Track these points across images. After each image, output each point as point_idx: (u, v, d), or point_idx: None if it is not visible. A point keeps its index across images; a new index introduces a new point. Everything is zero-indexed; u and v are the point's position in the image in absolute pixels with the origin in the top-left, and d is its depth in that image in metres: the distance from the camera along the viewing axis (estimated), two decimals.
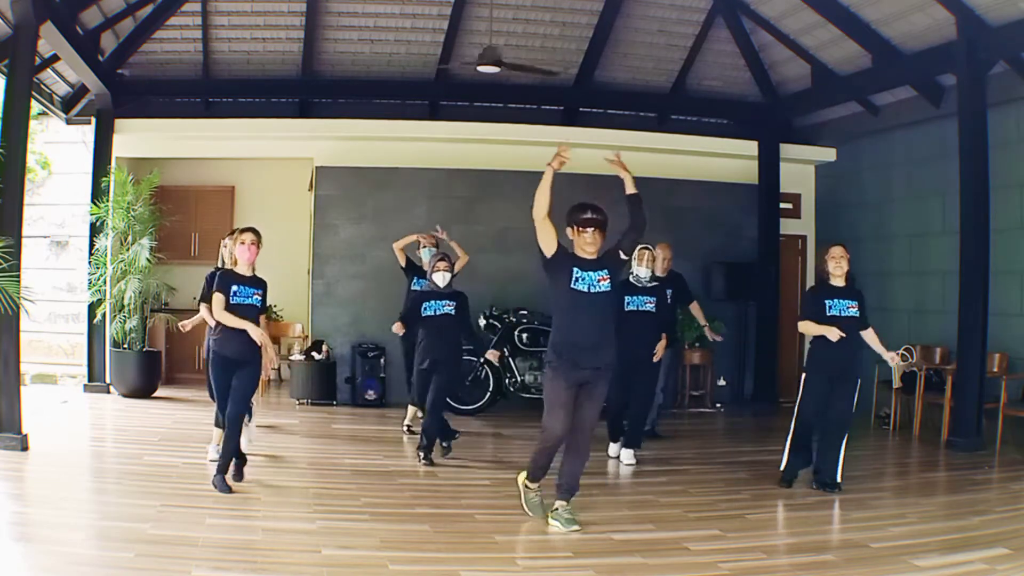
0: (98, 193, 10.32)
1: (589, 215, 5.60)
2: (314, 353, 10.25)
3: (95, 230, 10.43)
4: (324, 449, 7.77)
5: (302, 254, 11.85)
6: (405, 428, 8.58)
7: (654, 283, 7.69)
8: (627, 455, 7.54)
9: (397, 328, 7.55)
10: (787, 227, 11.75)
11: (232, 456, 6.11)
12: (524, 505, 5.67)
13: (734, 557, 4.90)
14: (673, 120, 11.93)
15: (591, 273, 5.45)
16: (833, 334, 6.37)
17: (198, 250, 12.17)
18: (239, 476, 6.22)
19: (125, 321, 10.21)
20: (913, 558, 4.82)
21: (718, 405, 10.86)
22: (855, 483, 6.89)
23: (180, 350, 11.70)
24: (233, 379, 6.09)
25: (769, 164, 11.53)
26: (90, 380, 10.51)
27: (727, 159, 11.62)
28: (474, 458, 7.88)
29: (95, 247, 10.37)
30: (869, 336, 6.66)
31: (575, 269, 5.44)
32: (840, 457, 6.55)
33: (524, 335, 10.04)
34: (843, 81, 10.39)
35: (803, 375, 6.77)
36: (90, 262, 10.41)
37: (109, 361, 10.44)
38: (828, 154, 11.85)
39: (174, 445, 7.54)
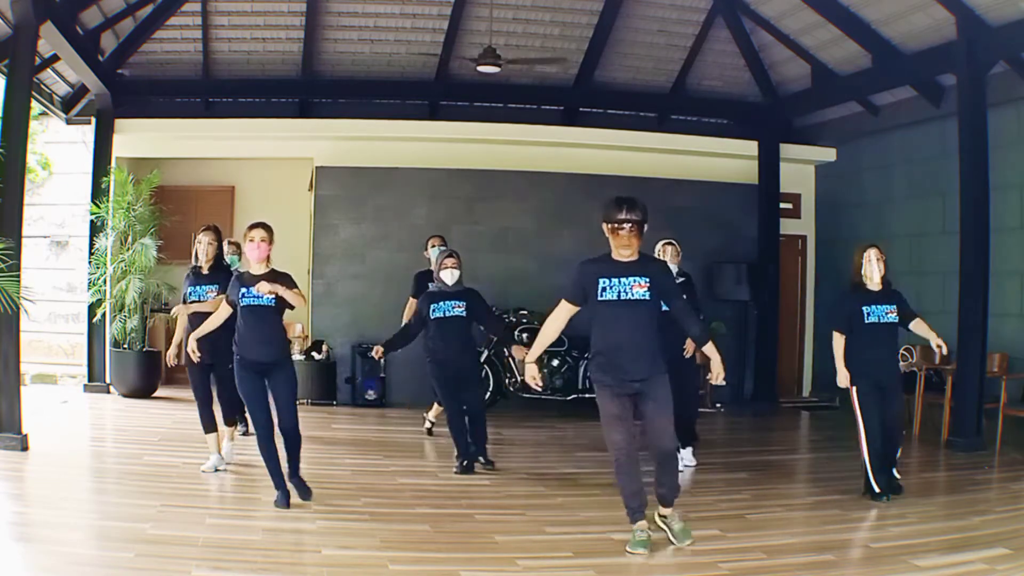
0: (98, 193, 10.32)
1: (625, 214, 4.91)
2: (314, 353, 10.25)
3: (95, 230, 10.43)
4: (324, 449, 7.76)
5: (302, 254, 11.84)
6: (428, 425, 8.44)
7: (681, 279, 7.22)
8: (687, 455, 7.20)
9: (376, 353, 7.17)
10: (787, 227, 11.75)
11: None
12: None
13: (734, 557, 4.90)
14: (673, 120, 11.94)
15: (623, 280, 4.94)
16: (842, 381, 6.21)
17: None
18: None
19: (125, 321, 10.21)
20: (913, 558, 4.82)
21: (718, 405, 10.86)
22: (855, 483, 6.88)
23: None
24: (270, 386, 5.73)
25: (769, 164, 11.53)
26: (90, 380, 10.51)
27: (727, 159, 11.63)
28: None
29: (95, 247, 10.37)
30: (917, 326, 6.43)
31: (600, 279, 4.97)
32: (896, 463, 6.42)
33: (524, 335, 10.03)
34: (843, 81, 10.39)
35: (853, 388, 6.33)
36: (90, 262, 10.41)
37: (109, 361, 10.44)
38: (828, 154, 11.85)
39: (174, 445, 7.54)
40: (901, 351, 9.34)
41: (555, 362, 9.77)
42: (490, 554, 4.94)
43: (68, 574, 4.29)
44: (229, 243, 8.11)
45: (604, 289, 4.95)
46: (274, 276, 5.79)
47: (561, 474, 7.11)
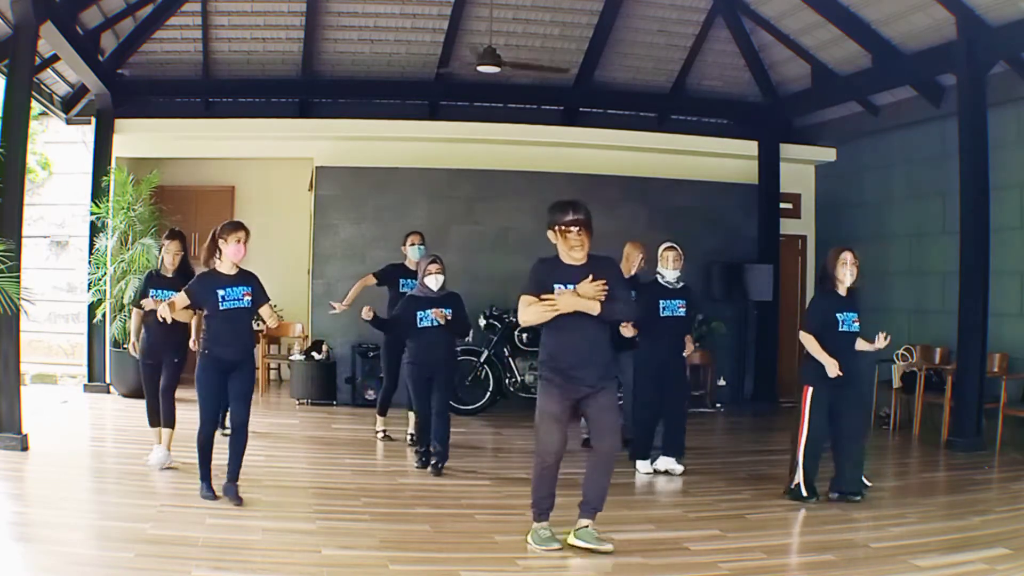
0: (98, 193, 10.32)
1: (572, 215, 4.85)
2: (314, 353, 10.25)
3: (95, 230, 10.43)
4: (324, 449, 7.76)
5: (302, 254, 11.84)
6: (409, 437, 8.24)
7: (681, 284, 7.21)
8: (671, 464, 7.08)
9: (366, 312, 7.08)
10: (787, 227, 11.75)
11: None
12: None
13: (734, 557, 4.90)
14: (673, 120, 11.94)
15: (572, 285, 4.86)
16: (832, 370, 5.97)
17: (198, 250, 12.13)
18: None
19: (125, 321, 10.19)
20: (913, 558, 4.82)
21: (718, 405, 10.86)
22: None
23: None
24: (229, 383, 5.81)
25: (769, 164, 11.53)
26: (90, 380, 10.52)
27: (727, 159, 11.63)
28: (474, 458, 7.88)
29: (95, 247, 10.37)
30: (860, 344, 6.27)
31: (555, 284, 4.86)
32: (864, 465, 6.27)
33: (524, 335, 10.04)
34: (843, 81, 10.39)
35: (806, 388, 6.15)
36: (90, 262, 10.41)
37: (109, 361, 10.44)
38: (828, 154, 11.85)
39: (174, 445, 7.53)
40: (901, 351, 9.37)
41: None
42: (490, 554, 4.94)
43: (68, 574, 4.29)
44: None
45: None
46: (246, 276, 5.87)
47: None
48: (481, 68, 9.49)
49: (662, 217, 11.05)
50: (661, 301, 7.00)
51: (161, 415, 6.83)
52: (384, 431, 8.20)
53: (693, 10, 10.78)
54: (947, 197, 9.28)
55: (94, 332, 10.47)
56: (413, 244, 8.20)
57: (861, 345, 6.26)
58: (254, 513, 5.54)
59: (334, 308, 8.12)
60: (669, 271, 7.12)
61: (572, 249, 4.87)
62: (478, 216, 10.92)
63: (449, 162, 10.92)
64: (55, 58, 9.54)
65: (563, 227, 4.85)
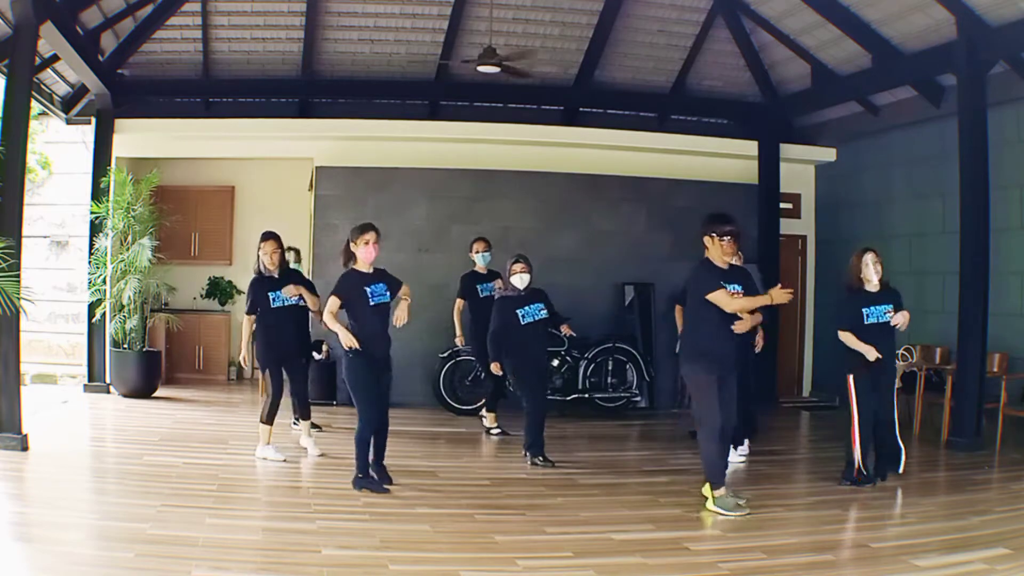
0: (98, 193, 10.32)
1: (731, 227, 5.98)
2: (314, 353, 10.23)
3: (95, 230, 10.43)
4: (324, 449, 7.75)
5: (302, 254, 11.84)
6: (496, 432, 8.70)
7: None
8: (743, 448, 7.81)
9: (496, 369, 7.62)
10: (787, 227, 11.75)
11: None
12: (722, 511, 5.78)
13: (734, 557, 4.90)
14: (673, 120, 11.94)
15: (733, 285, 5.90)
16: (871, 354, 6.48)
17: (198, 250, 12.19)
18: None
19: (125, 321, 10.21)
20: (913, 558, 4.82)
21: None
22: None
23: (180, 350, 11.73)
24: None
25: (769, 164, 11.54)
26: (90, 380, 10.51)
27: (727, 159, 11.63)
28: (474, 458, 7.89)
29: (95, 247, 10.37)
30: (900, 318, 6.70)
31: (722, 283, 5.86)
32: (901, 447, 6.77)
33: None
34: (843, 81, 10.39)
35: (848, 377, 6.66)
36: (90, 262, 10.41)
37: (109, 361, 10.44)
38: (828, 154, 11.85)
39: (174, 445, 7.54)
40: (901, 351, 9.37)
41: (555, 362, 9.77)
42: (490, 554, 4.94)
43: (68, 574, 4.29)
44: (289, 249, 8.47)
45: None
46: (381, 273, 6.34)
47: (561, 474, 7.11)
48: (481, 68, 9.50)
49: (662, 217, 11.05)
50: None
51: (299, 411, 7.65)
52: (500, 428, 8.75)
53: (693, 10, 10.78)
54: (947, 197, 9.28)
55: (94, 332, 10.47)
56: (478, 252, 8.90)
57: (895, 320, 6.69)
58: (254, 513, 5.54)
59: (457, 346, 8.86)
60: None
61: (727, 256, 5.97)
62: (478, 216, 10.91)
63: (449, 162, 10.91)
64: (55, 58, 9.54)
65: (719, 236, 5.95)
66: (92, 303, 10.34)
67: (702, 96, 11.81)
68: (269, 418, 7.05)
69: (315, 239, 10.83)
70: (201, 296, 12.26)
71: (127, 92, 10.71)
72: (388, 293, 6.20)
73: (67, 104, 11.10)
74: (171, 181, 11.52)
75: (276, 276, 7.20)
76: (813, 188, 12.12)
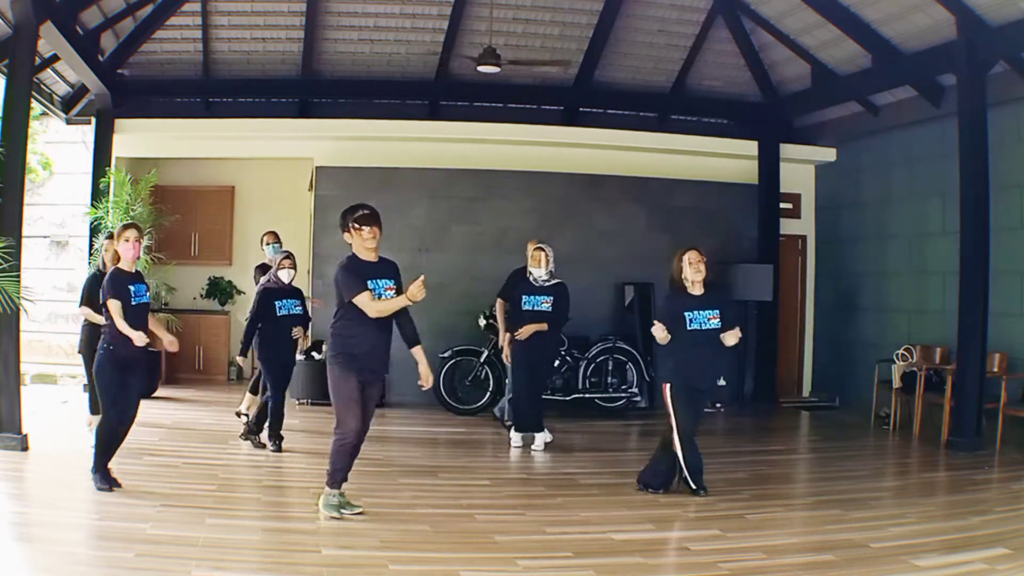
0: (98, 193, 10.32)
1: (366, 211, 5.61)
2: (314, 353, 10.23)
3: (95, 230, 10.43)
4: (324, 449, 7.73)
5: (302, 254, 11.83)
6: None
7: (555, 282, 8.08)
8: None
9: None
10: (787, 227, 11.76)
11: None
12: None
13: (734, 557, 4.90)
14: (673, 120, 11.94)
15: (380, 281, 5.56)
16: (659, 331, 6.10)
17: (198, 250, 12.19)
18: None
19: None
20: (913, 558, 4.82)
21: (718, 405, 10.84)
22: (855, 483, 6.90)
23: (180, 350, 11.64)
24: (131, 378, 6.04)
25: (769, 164, 11.54)
26: (90, 380, 10.49)
27: (727, 159, 11.63)
28: (474, 458, 7.89)
29: (95, 247, 10.37)
30: (728, 338, 6.25)
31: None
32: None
33: None
34: (843, 81, 10.39)
35: (666, 386, 6.27)
36: (90, 262, 10.41)
37: None
38: (828, 154, 11.85)
39: (174, 445, 7.54)
40: (901, 351, 9.37)
41: (555, 362, 9.77)
42: (490, 554, 4.94)
43: (68, 574, 4.29)
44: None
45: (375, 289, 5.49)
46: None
47: (561, 474, 7.12)
48: (481, 68, 9.50)
49: (662, 217, 11.05)
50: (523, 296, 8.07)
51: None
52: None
53: (693, 10, 10.78)
54: (947, 197, 9.28)
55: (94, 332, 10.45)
56: (268, 243, 8.74)
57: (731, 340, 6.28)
58: (254, 513, 5.54)
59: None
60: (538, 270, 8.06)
61: (369, 242, 5.60)
62: (478, 216, 10.92)
63: (449, 162, 10.91)
64: (55, 58, 9.54)
65: (357, 224, 5.58)
66: None
67: (702, 96, 11.81)
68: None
69: (315, 239, 10.83)
70: (201, 296, 12.25)
71: (127, 92, 10.70)
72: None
73: (67, 104, 11.10)
74: (171, 181, 11.52)
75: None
76: (813, 188, 12.12)
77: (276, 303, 7.45)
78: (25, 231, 7.43)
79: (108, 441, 5.99)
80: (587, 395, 10.02)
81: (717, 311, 6.19)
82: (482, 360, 9.87)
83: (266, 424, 7.55)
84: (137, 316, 5.94)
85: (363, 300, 5.37)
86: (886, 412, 9.51)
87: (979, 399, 8.18)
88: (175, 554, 4.60)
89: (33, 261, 11.20)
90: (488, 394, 9.94)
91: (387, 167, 10.79)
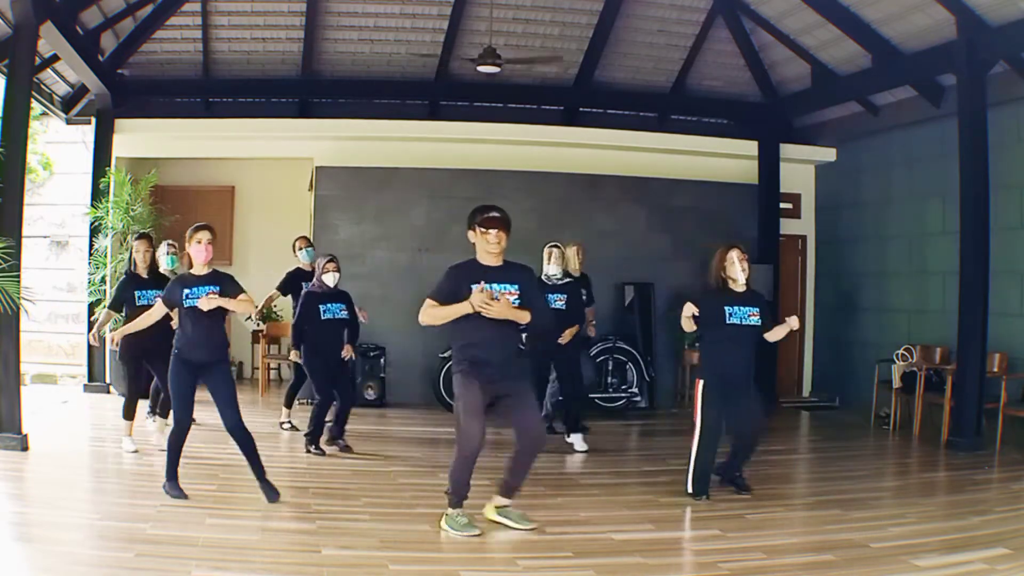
0: (97, 193, 10.32)
1: (494, 214, 5.38)
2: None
3: (95, 230, 10.43)
4: (324, 449, 7.75)
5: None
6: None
7: (567, 280, 8.05)
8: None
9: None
10: (787, 227, 11.75)
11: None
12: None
13: (734, 557, 4.89)
14: (673, 120, 11.94)
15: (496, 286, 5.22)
16: (687, 314, 6.15)
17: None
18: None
19: (121, 321, 10.18)
20: (913, 558, 4.82)
21: None
22: (855, 483, 6.90)
23: None
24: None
25: (769, 164, 11.54)
26: (90, 380, 10.51)
27: (727, 159, 11.63)
28: None
29: (95, 247, 10.37)
30: (773, 334, 6.40)
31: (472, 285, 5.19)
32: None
33: (524, 335, 10.01)
34: (843, 81, 10.39)
35: (699, 382, 6.31)
36: (90, 262, 10.41)
37: (109, 361, 10.43)
38: (828, 154, 11.85)
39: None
40: (901, 351, 9.37)
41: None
42: (490, 554, 4.94)
43: (68, 574, 4.29)
44: (168, 244, 8.22)
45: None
46: (217, 277, 5.93)
47: (561, 474, 7.11)
48: (481, 68, 9.50)
49: (662, 217, 11.05)
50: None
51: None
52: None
53: (693, 10, 10.78)
54: (947, 197, 9.27)
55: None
56: (301, 248, 8.89)
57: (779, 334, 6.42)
58: (254, 513, 5.54)
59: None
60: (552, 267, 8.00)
61: (490, 247, 5.39)
62: None
63: (449, 162, 10.91)
64: (55, 58, 9.54)
65: (481, 227, 5.44)
66: (92, 303, 10.34)
67: (702, 96, 11.81)
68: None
69: (315, 239, 10.81)
70: None
71: (127, 92, 10.71)
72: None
73: (67, 104, 11.10)
74: (171, 181, 11.52)
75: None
76: (813, 188, 12.12)
77: (320, 307, 7.43)
78: (25, 231, 7.43)
79: (180, 447, 5.84)
80: (587, 395, 10.01)
81: (757, 309, 6.23)
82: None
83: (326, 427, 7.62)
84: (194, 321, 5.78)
85: (425, 304, 5.27)
86: (886, 412, 9.51)
87: (979, 399, 8.18)
88: (175, 554, 4.60)
89: (33, 261, 11.20)
90: None
91: (387, 167, 10.80)
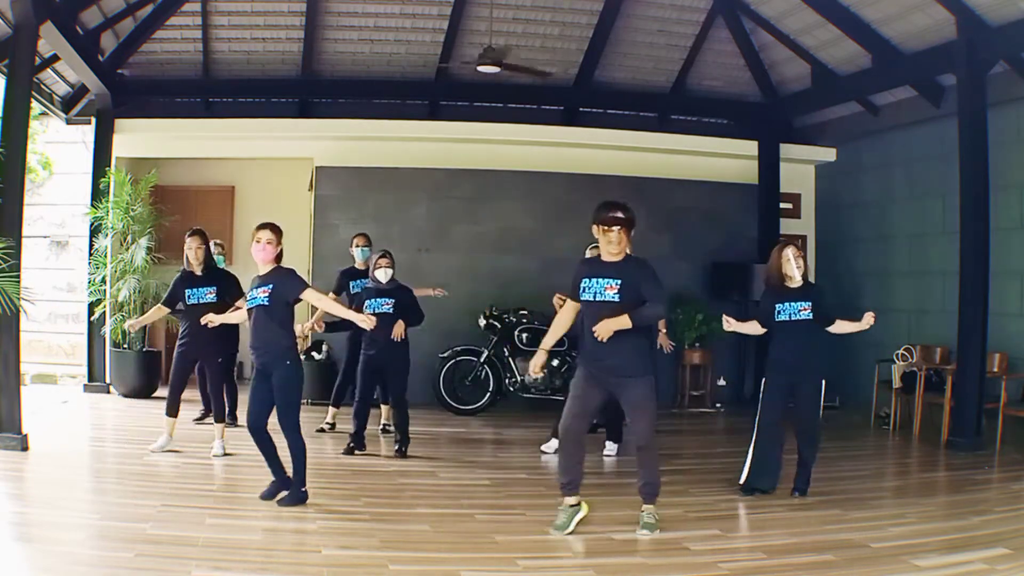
0: (98, 193, 10.32)
1: (615, 214, 5.35)
2: (314, 353, 10.24)
3: (95, 230, 10.43)
4: (324, 449, 7.75)
5: (302, 254, 11.83)
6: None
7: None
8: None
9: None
10: (787, 227, 11.74)
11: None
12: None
13: (734, 557, 4.90)
14: (673, 120, 11.94)
15: (598, 280, 5.34)
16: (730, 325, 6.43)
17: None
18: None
19: (124, 321, 10.20)
20: (913, 558, 4.82)
21: (718, 405, 10.86)
22: (855, 483, 6.90)
23: None
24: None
25: (769, 164, 11.54)
26: (90, 380, 10.51)
27: (727, 159, 11.63)
28: (474, 458, 7.89)
29: (95, 247, 10.37)
30: (838, 327, 6.57)
31: (583, 279, 5.39)
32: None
33: (524, 335, 10.03)
34: (843, 81, 10.39)
35: (764, 381, 6.48)
36: (90, 262, 10.41)
37: (109, 361, 10.44)
38: (828, 154, 11.85)
39: (174, 445, 7.53)
40: (901, 351, 9.37)
41: (555, 362, 9.76)
42: (490, 554, 4.94)
43: (68, 574, 4.28)
44: (215, 244, 8.36)
45: (584, 289, 5.35)
46: (271, 276, 5.86)
47: None
48: (481, 68, 9.50)
49: (662, 217, 11.05)
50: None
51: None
52: None
53: (693, 10, 10.78)
54: (947, 197, 9.28)
55: (94, 332, 10.47)
56: (358, 246, 8.65)
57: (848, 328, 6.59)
58: (254, 513, 5.54)
59: None
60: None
61: (610, 245, 5.38)
62: (478, 216, 10.92)
63: (449, 162, 10.92)
64: (55, 58, 9.54)
65: (603, 225, 5.35)
66: (92, 303, 10.34)
67: (702, 96, 11.81)
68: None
69: (315, 239, 10.83)
70: None
71: (127, 92, 10.71)
72: (265, 296, 5.77)
73: (67, 104, 11.09)
74: (171, 181, 11.52)
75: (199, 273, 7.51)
76: (813, 188, 12.12)
77: (366, 302, 7.46)
78: (25, 231, 7.43)
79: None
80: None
81: (809, 303, 6.37)
82: (482, 360, 9.88)
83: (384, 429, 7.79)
84: (252, 321, 5.77)
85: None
86: (886, 412, 9.51)
87: (979, 399, 8.18)
88: (175, 554, 4.60)
89: (33, 261, 11.19)
90: (488, 394, 9.94)
91: (387, 167, 10.80)
